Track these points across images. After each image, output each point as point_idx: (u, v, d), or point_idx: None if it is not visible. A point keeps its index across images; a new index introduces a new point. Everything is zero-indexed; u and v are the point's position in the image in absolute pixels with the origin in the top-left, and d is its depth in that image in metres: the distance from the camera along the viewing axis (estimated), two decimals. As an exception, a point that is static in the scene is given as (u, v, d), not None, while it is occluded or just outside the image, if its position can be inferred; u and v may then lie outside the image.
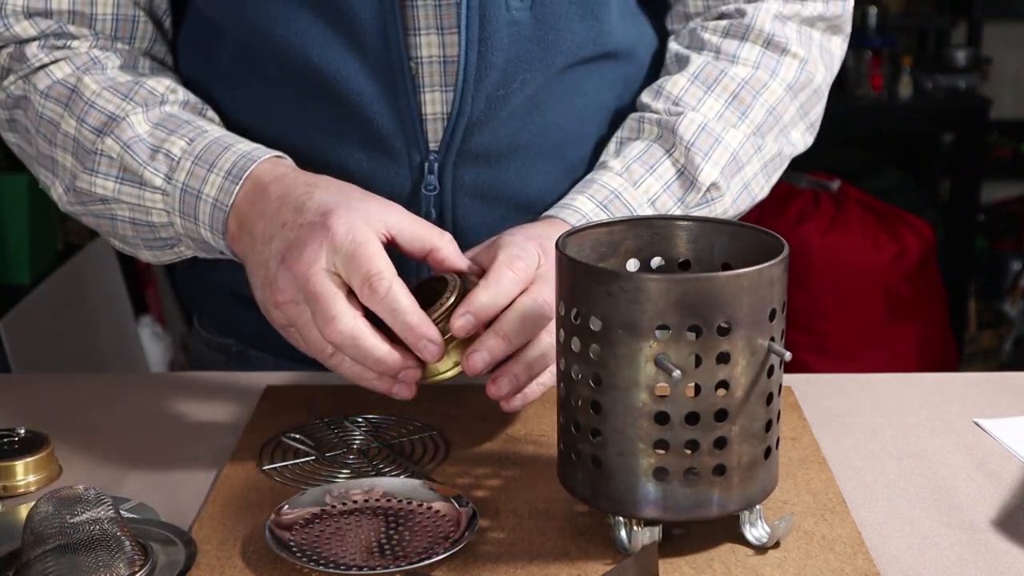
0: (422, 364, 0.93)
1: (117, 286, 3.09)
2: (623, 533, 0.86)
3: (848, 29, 1.20)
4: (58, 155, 1.08)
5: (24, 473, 0.97)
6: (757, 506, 0.87)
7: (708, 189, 1.10)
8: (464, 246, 1.02)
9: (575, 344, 0.85)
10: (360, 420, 1.07)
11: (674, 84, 1.13)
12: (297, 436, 1.04)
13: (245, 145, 1.04)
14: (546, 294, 0.93)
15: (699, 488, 0.83)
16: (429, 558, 0.84)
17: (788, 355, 0.83)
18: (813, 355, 3.09)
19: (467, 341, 0.93)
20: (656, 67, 1.20)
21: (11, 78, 1.10)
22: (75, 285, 2.85)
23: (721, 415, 0.83)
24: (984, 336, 3.53)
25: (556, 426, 0.90)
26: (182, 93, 1.10)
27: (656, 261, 0.93)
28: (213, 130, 1.06)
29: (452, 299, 0.93)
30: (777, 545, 0.87)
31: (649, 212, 1.08)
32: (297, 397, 1.12)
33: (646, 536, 0.85)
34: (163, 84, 1.09)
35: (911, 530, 0.90)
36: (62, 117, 1.07)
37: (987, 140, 3.63)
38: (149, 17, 1.13)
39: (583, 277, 0.83)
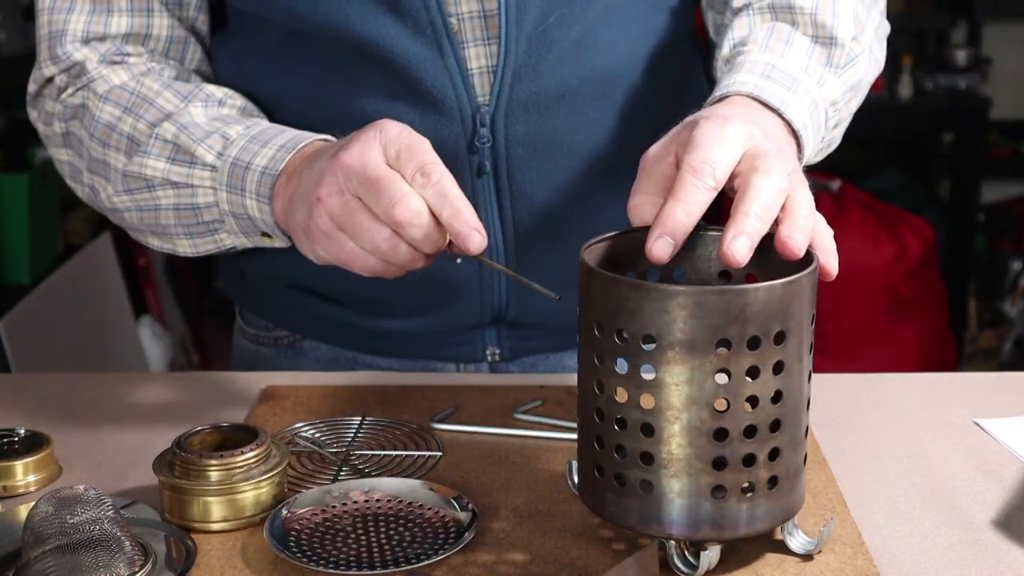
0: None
1: (117, 286, 3.09)
2: (680, 558, 0.83)
3: None
4: (111, 156, 1.11)
5: (24, 473, 0.97)
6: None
7: (850, 44, 1.07)
8: (522, 199, 1.11)
9: (620, 365, 0.80)
10: (360, 420, 1.07)
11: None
12: (296, 436, 1.04)
13: (300, 131, 1.06)
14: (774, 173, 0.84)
15: (755, 502, 0.81)
16: (429, 558, 0.84)
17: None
18: (813, 355, 3.08)
19: None
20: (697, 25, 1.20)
21: (69, 91, 1.14)
22: (75, 285, 2.85)
23: (775, 426, 0.81)
24: (984, 336, 3.53)
25: (584, 452, 0.85)
26: (240, 100, 1.14)
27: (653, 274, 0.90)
28: (269, 123, 1.09)
29: (252, 453, 0.90)
30: (783, 547, 0.87)
31: (808, 81, 1.01)
32: (297, 397, 1.12)
33: (710, 557, 0.82)
34: (222, 90, 1.13)
35: (911, 530, 0.90)
36: (119, 119, 1.10)
37: (987, 140, 3.64)
38: (196, 39, 1.19)
39: (633, 295, 0.79)
